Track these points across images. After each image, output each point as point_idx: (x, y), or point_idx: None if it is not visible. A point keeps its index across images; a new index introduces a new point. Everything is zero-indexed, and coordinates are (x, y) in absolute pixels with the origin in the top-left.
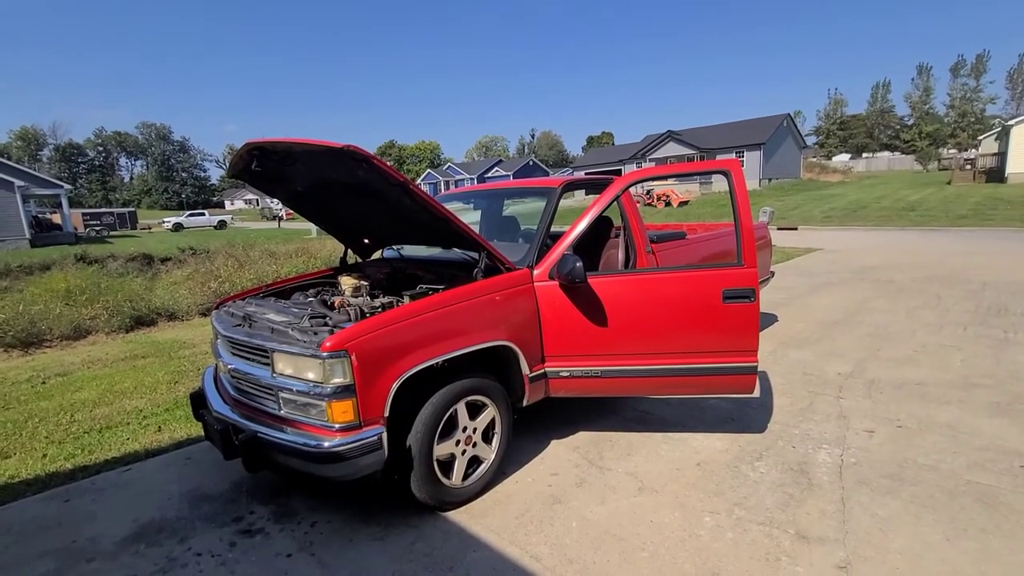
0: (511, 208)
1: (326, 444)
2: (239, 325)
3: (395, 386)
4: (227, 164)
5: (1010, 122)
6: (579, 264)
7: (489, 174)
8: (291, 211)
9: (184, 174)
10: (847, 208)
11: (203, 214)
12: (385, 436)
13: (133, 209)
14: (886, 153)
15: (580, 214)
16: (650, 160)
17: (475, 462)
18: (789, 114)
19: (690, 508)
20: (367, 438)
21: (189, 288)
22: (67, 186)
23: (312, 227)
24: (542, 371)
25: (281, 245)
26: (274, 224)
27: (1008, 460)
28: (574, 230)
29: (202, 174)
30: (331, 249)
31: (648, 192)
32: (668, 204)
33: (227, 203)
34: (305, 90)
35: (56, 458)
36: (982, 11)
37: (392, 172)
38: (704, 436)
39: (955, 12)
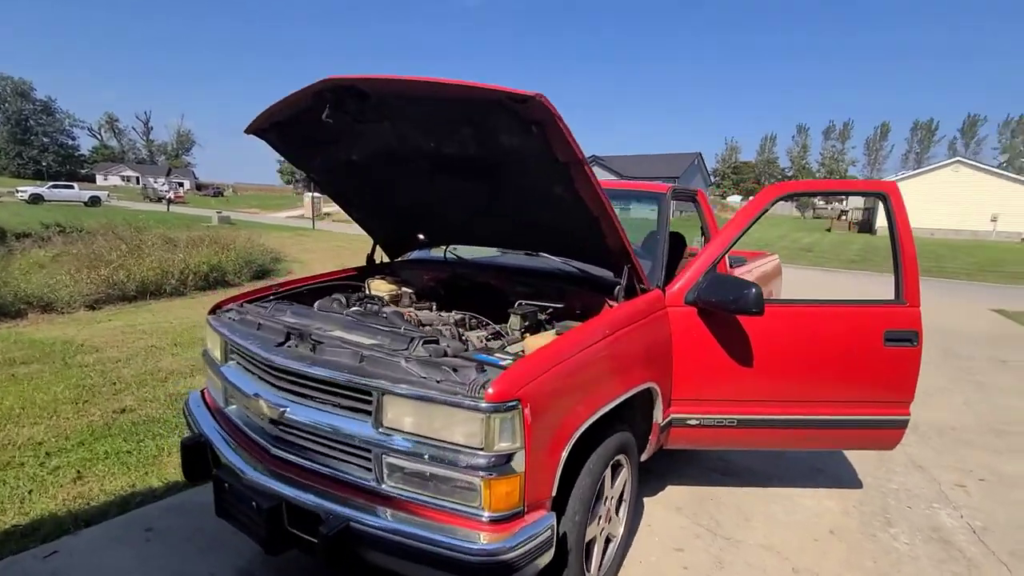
0: None
1: (484, 545)
2: (285, 344)
3: (567, 451)
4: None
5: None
6: (756, 290)
7: None
8: (180, 195)
9: (46, 139)
10: (756, 245)
11: (71, 187)
12: (556, 528)
13: None
14: None
15: (723, 226)
16: None
17: (606, 541)
18: (700, 153)
19: None
20: (539, 533)
21: (70, 274)
22: None
23: (212, 214)
24: (669, 418)
25: (181, 231)
26: (160, 206)
27: None
28: (722, 246)
29: (69, 142)
30: (258, 239)
31: None
32: None
33: (99, 178)
34: (205, 54)
35: None
36: (849, 88)
37: (574, 143)
38: (808, 492)
39: (829, 85)
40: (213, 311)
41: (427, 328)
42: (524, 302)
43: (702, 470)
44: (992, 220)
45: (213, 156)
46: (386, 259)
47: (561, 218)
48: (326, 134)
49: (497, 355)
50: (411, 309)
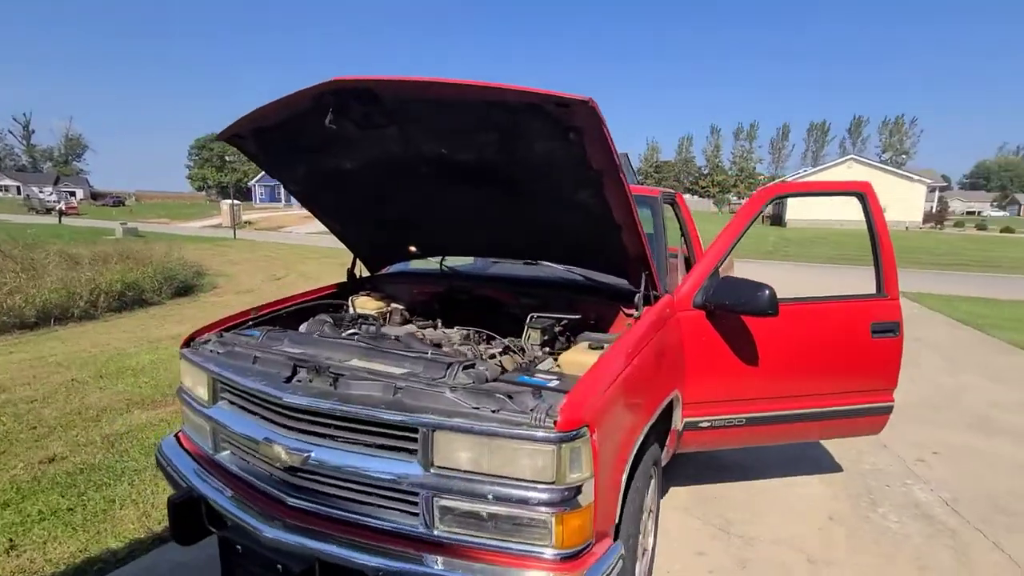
0: None
1: None
2: (295, 379)
3: (627, 472)
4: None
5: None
6: (770, 291)
7: None
8: (73, 206)
9: None
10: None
11: None
12: (624, 558)
13: None
14: (687, 195)
15: (723, 229)
16: None
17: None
18: (627, 153)
19: None
20: (611, 567)
21: None
22: None
23: (115, 225)
24: (684, 422)
25: (82, 247)
26: (49, 218)
27: None
28: (724, 248)
29: None
30: (176, 252)
31: None
32: None
33: None
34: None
35: None
36: (754, 89)
37: (613, 151)
38: (798, 481)
39: (738, 86)
40: (187, 343)
41: (447, 350)
42: (536, 315)
43: (697, 467)
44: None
45: (110, 162)
46: (366, 273)
47: (580, 225)
48: (315, 140)
49: (539, 376)
50: (415, 328)
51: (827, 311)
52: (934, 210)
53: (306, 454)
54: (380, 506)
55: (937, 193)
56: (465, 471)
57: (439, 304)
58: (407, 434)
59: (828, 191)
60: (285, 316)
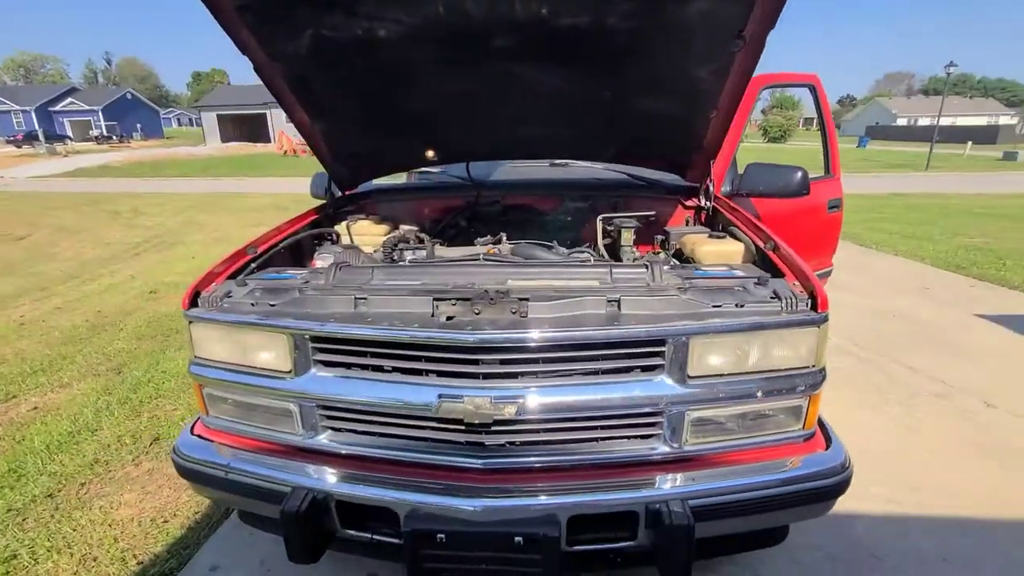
0: None
1: (835, 462)
2: (449, 319)
3: None
4: None
5: None
6: (803, 172)
7: (60, 105)
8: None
9: None
10: None
11: None
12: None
13: None
14: None
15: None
16: None
17: None
18: None
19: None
20: (837, 436)
21: None
22: None
23: None
24: None
25: None
26: None
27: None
28: (737, 137)
29: None
30: None
31: None
32: None
33: None
34: None
35: None
36: None
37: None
38: None
39: None
40: (194, 301)
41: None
42: (606, 216)
43: None
44: None
45: None
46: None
47: (663, 112)
48: None
49: (705, 268)
50: (477, 247)
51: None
52: None
53: (518, 401)
54: (609, 438)
55: None
56: (728, 374)
57: (466, 220)
58: (651, 349)
59: (781, 83)
60: (284, 252)
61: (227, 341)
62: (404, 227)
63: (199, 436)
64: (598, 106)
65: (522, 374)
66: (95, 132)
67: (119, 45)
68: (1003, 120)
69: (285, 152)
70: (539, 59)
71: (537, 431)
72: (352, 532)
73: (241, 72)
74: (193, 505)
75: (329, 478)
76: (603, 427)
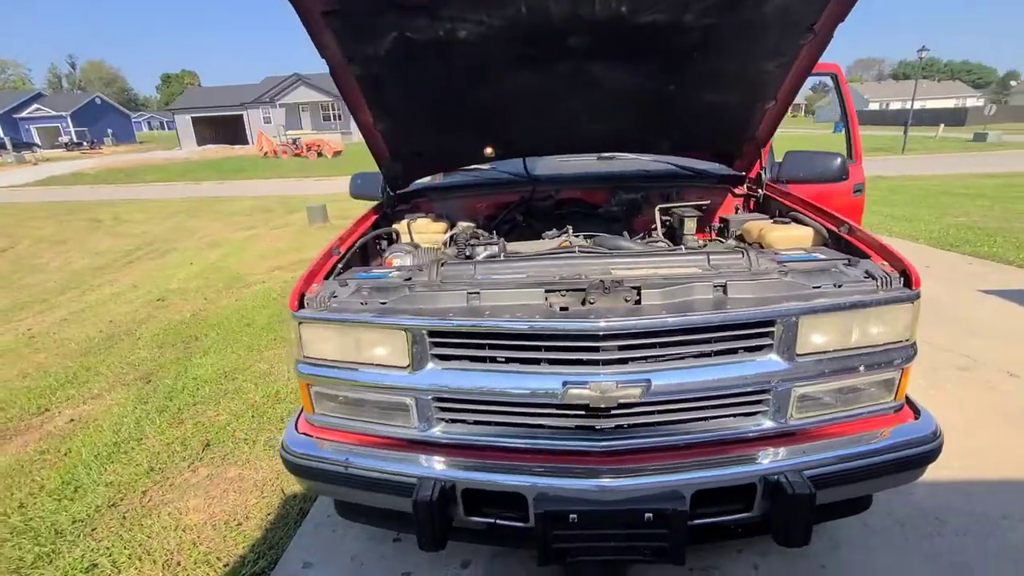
0: None
1: (927, 430)
2: (564, 310)
3: None
4: None
5: None
6: (841, 158)
7: (26, 112)
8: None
9: None
10: None
11: None
12: None
13: None
14: None
15: None
16: (280, 105)
17: None
18: None
19: None
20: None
21: None
22: None
23: None
24: None
25: None
26: None
27: None
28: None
29: None
30: None
31: (295, 141)
32: (321, 155)
33: None
34: None
35: None
36: None
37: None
38: None
39: None
40: (301, 302)
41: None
42: (664, 206)
43: None
44: None
45: None
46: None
47: (723, 104)
48: None
49: (797, 251)
50: (548, 240)
51: None
52: None
53: (641, 385)
54: (719, 416)
55: None
56: (832, 351)
57: (521, 215)
58: (762, 330)
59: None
60: (357, 253)
61: (339, 340)
62: (461, 223)
63: (305, 434)
64: (660, 100)
65: (642, 359)
66: (64, 139)
67: (82, 48)
68: (970, 102)
69: (266, 154)
70: (612, 56)
71: (652, 412)
72: (475, 519)
73: (213, 72)
74: (264, 507)
75: (453, 468)
76: (714, 406)
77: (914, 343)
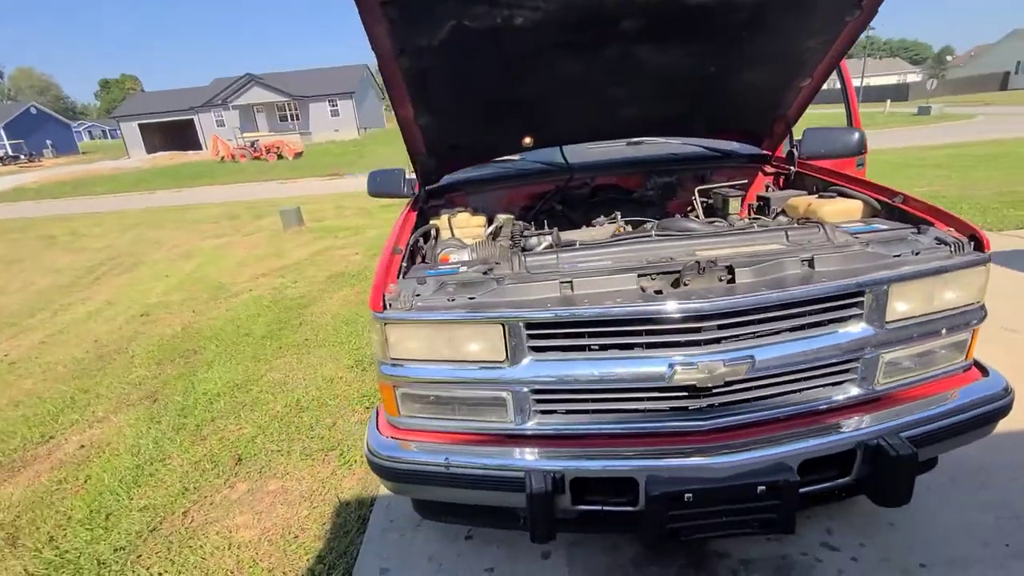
0: None
1: (1001, 387)
2: (658, 293)
3: None
4: None
5: None
6: (860, 133)
7: None
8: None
9: None
10: None
11: None
12: None
13: None
14: None
15: None
16: (233, 107)
17: None
18: (367, 65)
19: None
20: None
21: None
22: None
23: None
24: None
25: None
26: None
27: None
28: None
29: None
30: None
31: (253, 144)
32: (281, 157)
33: None
34: None
35: None
36: None
37: None
38: None
39: None
40: (383, 305)
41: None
42: (703, 188)
43: None
44: None
45: None
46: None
47: (760, 84)
48: None
49: (856, 223)
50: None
51: None
52: None
53: (747, 361)
54: (812, 387)
55: None
56: (917, 316)
57: (559, 204)
58: (853, 300)
59: None
60: (411, 251)
61: (430, 338)
62: (501, 215)
63: (393, 437)
64: (699, 82)
65: (745, 336)
66: None
67: (6, 56)
68: (911, 78)
69: (223, 158)
70: (660, 39)
71: (752, 388)
72: (583, 507)
73: (158, 77)
74: (317, 518)
75: (557, 459)
76: (808, 377)
77: (983, 304)
